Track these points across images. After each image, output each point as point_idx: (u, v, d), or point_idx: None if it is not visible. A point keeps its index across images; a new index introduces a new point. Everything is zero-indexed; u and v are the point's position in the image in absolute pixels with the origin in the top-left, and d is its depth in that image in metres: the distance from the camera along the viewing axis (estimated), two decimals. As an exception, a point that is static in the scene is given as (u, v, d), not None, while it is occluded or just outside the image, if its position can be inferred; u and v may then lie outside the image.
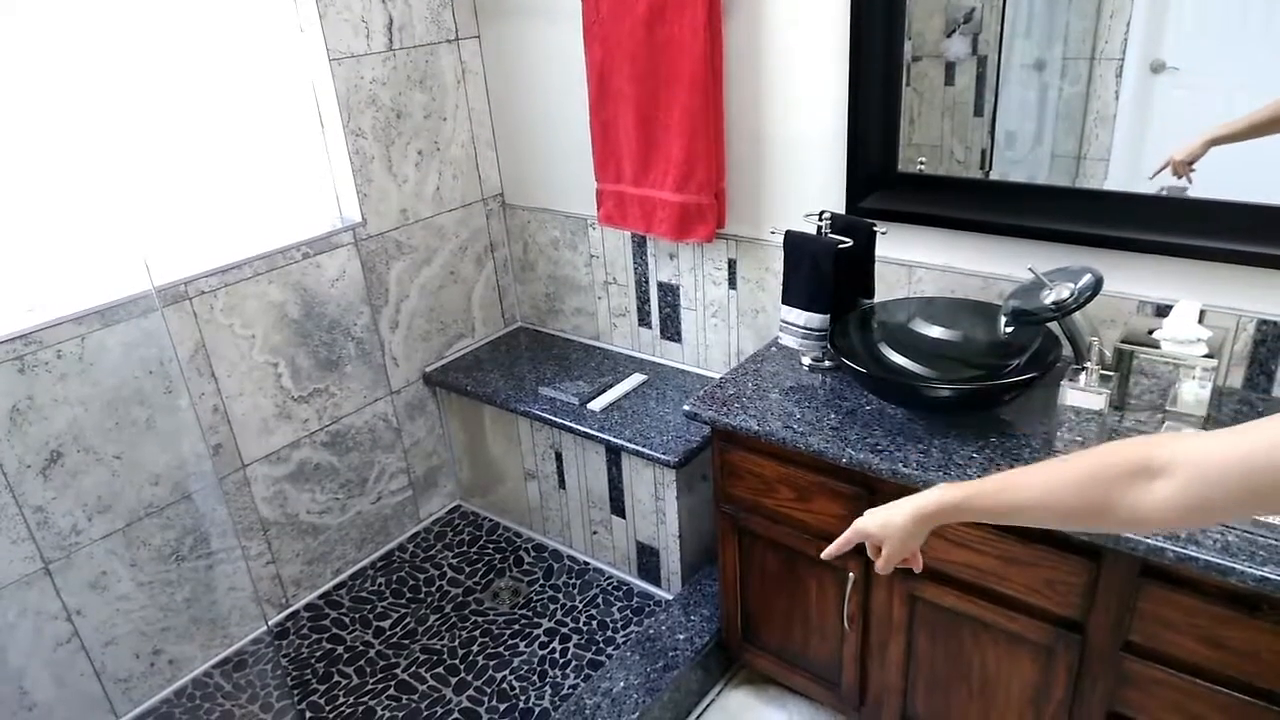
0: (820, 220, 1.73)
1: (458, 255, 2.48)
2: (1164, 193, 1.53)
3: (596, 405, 2.17)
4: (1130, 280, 1.58)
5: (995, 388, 1.49)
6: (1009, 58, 1.68)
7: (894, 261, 1.84)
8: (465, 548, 2.46)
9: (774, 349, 1.89)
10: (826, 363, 1.77)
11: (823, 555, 1.17)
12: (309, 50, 2.05)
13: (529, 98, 2.34)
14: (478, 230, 2.51)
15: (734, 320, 2.17)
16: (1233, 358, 1.53)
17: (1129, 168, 1.60)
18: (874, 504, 1.52)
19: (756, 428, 1.60)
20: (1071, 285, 1.49)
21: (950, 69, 1.76)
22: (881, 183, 1.81)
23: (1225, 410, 1.48)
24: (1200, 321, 1.43)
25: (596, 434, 2.08)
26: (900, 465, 1.44)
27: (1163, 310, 1.53)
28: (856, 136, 1.77)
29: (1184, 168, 1.51)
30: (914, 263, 1.83)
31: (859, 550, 1.59)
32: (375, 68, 2.15)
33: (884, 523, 1.04)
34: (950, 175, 1.78)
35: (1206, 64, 1.44)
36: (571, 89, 2.20)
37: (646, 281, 2.31)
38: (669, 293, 2.27)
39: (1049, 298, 1.50)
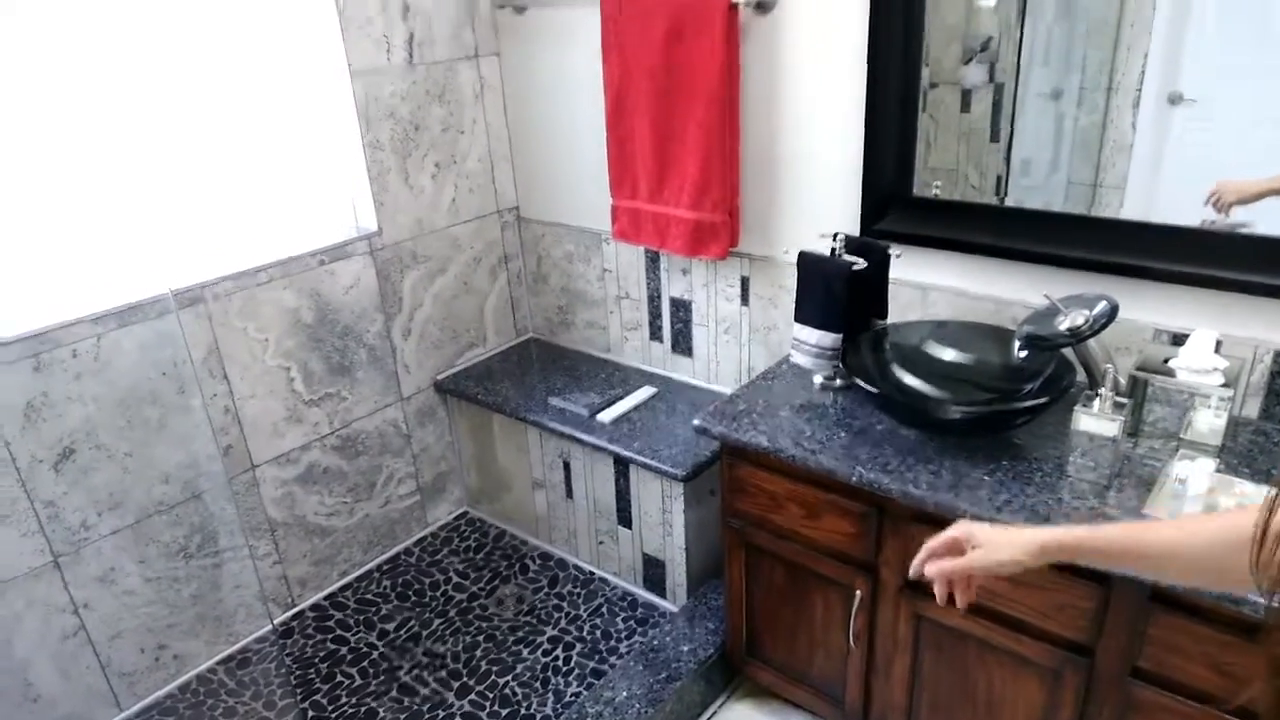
0: (834, 241, 1.74)
1: (471, 266, 2.49)
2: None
3: (606, 417, 2.18)
4: (1146, 308, 1.59)
5: (1007, 412, 1.50)
6: (1026, 86, 1.69)
7: (908, 284, 1.85)
8: (471, 554, 2.46)
9: (785, 366, 1.90)
10: (838, 382, 1.78)
11: (914, 569, 1.05)
12: (330, 63, 2.08)
13: (546, 114, 2.36)
14: (492, 242, 2.53)
15: (746, 336, 2.18)
16: (1249, 388, 1.54)
17: (1145, 197, 1.60)
18: (883, 524, 1.56)
19: (766, 444, 1.60)
20: (1087, 312, 1.49)
21: (967, 96, 1.78)
22: (896, 205, 1.82)
23: (1240, 440, 1.48)
24: (1217, 351, 1.43)
25: (605, 445, 2.09)
26: (910, 486, 1.44)
27: (1179, 339, 1.54)
28: (872, 159, 1.79)
29: (1228, 207, 1.50)
30: (928, 285, 1.84)
31: (865, 567, 1.62)
32: (395, 82, 2.17)
33: (989, 538, 0.99)
34: (965, 200, 1.79)
35: (1224, 97, 1.44)
36: (588, 106, 2.22)
37: (659, 296, 2.32)
38: (681, 308, 2.28)
39: (1064, 324, 1.51)
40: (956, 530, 1.02)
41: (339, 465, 2.28)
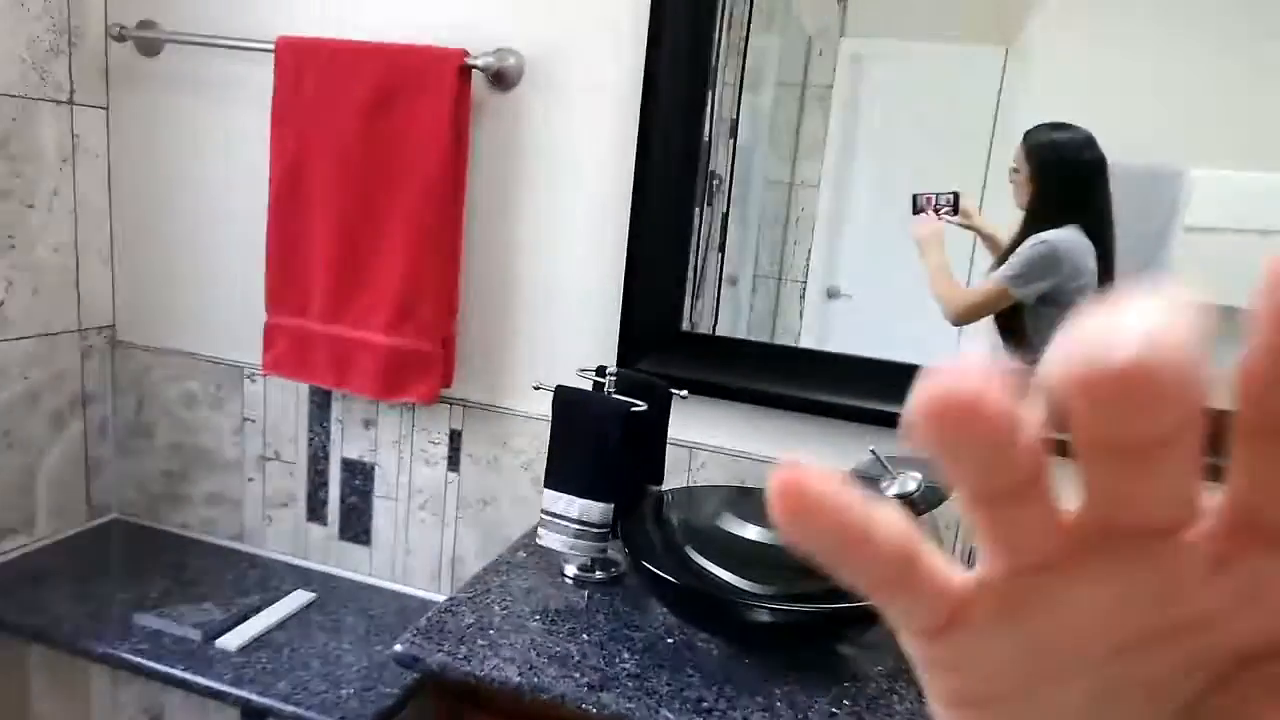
0: (602, 376, 1.29)
1: (23, 407, 1.63)
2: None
3: (232, 641, 1.41)
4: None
5: (853, 613, 1.09)
6: (703, 270, 1.58)
7: (672, 441, 1.43)
8: None
9: (523, 553, 1.34)
10: (598, 574, 1.27)
11: None
12: None
13: (174, 196, 1.68)
14: (64, 373, 1.70)
15: (451, 514, 1.60)
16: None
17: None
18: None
19: (519, 680, 1.02)
20: (919, 476, 1.18)
21: None
22: (661, 342, 1.44)
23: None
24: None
25: (227, 689, 1.31)
26: (742, 733, 0.95)
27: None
28: (636, 280, 1.41)
29: None
30: (696, 444, 1.46)
31: None
32: (-85, 100, 1.39)
33: None
34: (747, 338, 1.50)
35: (872, 293, 1.53)
36: (241, 189, 1.60)
37: (325, 458, 1.66)
38: (358, 474, 1.64)
39: (891, 489, 1.18)
40: None
41: None
